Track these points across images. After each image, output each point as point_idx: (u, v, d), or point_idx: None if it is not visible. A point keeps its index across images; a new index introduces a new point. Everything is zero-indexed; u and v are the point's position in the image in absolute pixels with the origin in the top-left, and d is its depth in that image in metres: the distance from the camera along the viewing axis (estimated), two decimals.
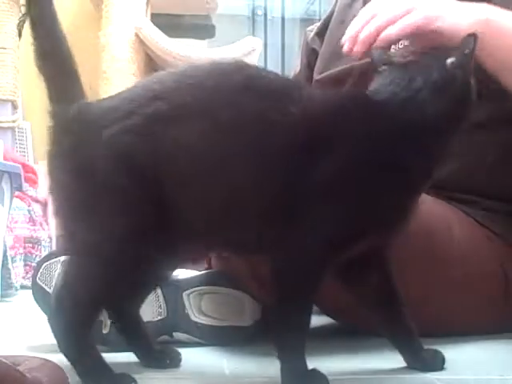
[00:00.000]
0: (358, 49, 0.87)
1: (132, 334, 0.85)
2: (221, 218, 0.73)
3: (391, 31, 0.86)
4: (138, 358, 0.85)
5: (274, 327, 0.73)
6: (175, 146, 0.71)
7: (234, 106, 0.71)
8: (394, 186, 0.73)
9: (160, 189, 0.71)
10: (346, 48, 0.89)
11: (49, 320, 0.75)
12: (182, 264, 0.98)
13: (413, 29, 0.86)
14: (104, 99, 0.79)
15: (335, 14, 1.32)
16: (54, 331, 0.73)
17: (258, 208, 0.71)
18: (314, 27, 1.38)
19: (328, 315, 1.12)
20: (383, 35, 0.86)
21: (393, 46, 1.13)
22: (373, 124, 0.73)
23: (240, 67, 0.75)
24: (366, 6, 0.92)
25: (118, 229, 0.72)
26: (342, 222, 0.72)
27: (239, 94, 0.72)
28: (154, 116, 0.71)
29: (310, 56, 1.35)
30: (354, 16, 1.25)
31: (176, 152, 0.71)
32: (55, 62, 0.77)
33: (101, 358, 0.73)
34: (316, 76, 1.28)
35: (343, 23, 1.28)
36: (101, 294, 0.75)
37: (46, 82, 0.77)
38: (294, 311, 0.73)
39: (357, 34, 0.88)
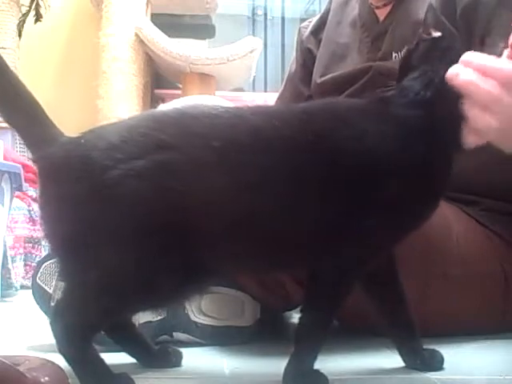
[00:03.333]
0: None
1: (127, 337, 0.84)
2: (255, 260, 0.76)
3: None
4: (137, 359, 0.85)
5: (302, 325, 0.75)
6: (198, 200, 0.69)
7: (253, 165, 0.70)
8: (430, 192, 0.77)
9: (175, 237, 0.69)
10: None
11: (49, 320, 0.74)
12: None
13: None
14: (86, 134, 0.75)
15: (331, 14, 1.30)
16: (53, 331, 0.73)
17: (304, 241, 0.73)
18: (309, 24, 1.37)
19: None
20: None
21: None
22: (412, 142, 0.74)
23: (240, 118, 0.74)
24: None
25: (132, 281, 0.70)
26: (386, 234, 0.76)
27: (256, 150, 0.71)
28: (165, 165, 0.69)
29: (305, 55, 1.34)
30: (350, 15, 1.26)
31: (202, 206, 0.69)
32: (16, 104, 0.74)
33: (100, 358, 0.73)
34: (317, 79, 1.27)
35: (340, 24, 1.27)
36: (110, 306, 0.73)
37: (15, 129, 0.75)
38: (327, 314, 0.76)
39: None
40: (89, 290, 0.71)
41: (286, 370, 0.73)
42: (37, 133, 0.75)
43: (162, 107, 1.30)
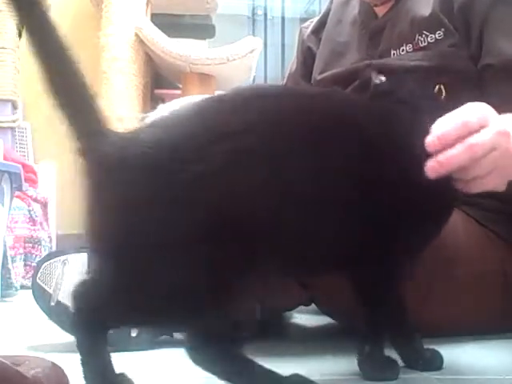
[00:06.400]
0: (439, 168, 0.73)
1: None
2: (316, 260, 0.74)
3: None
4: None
5: (373, 322, 0.79)
6: (274, 200, 0.64)
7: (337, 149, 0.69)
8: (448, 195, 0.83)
9: (247, 238, 0.64)
10: (431, 147, 0.73)
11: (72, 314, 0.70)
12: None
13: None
14: (139, 130, 0.68)
15: (332, 12, 1.32)
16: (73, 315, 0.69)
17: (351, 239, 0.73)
18: (310, 24, 1.38)
19: (328, 315, 1.12)
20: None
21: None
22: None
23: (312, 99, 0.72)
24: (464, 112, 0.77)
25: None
26: (424, 234, 0.82)
27: (337, 135, 0.69)
28: (241, 165, 0.63)
29: (306, 54, 1.35)
30: (351, 14, 1.26)
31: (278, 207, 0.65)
32: (72, 87, 0.67)
33: (107, 355, 0.69)
34: (317, 76, 1.28)
35: (340, 22, 1.28)
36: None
37: (64, 115, 0.66)
38: (386, 308, 0.80)
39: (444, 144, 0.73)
40: (133, 290, 0.65)
41: (360, 360, 0.78)
42: (88, 117, 0.66)
43: (162, 107, 1.30)
